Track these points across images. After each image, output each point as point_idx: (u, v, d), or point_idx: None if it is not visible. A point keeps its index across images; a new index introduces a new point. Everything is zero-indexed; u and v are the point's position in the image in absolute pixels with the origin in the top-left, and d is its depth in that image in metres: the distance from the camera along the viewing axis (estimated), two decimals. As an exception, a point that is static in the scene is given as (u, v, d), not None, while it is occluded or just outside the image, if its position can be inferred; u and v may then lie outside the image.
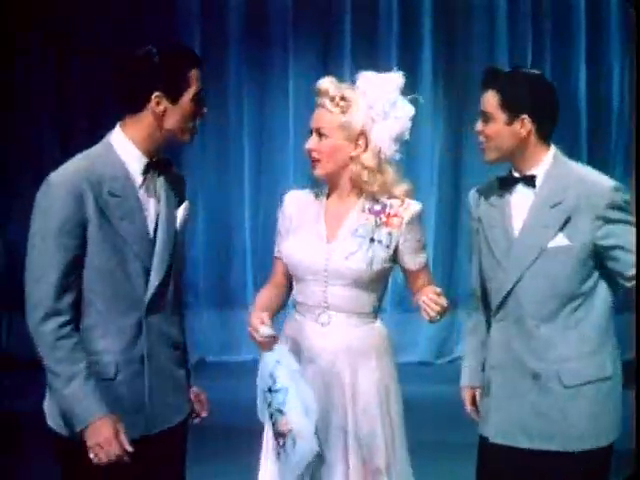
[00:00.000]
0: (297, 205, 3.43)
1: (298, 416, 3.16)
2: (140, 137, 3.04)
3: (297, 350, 3.33)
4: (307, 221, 3.39)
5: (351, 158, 3.33)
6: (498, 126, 3.24)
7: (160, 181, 3.10)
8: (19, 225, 8.16)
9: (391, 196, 3.34)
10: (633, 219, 3.21)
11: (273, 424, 3.21)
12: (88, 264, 2.97)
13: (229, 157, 8.41)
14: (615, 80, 8.62)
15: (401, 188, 3.36)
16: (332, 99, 3.31)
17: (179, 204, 3.17)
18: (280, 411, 3.18)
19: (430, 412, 6.45)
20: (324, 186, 3.45)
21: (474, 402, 3.47)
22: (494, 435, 3.30)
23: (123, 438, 2.93)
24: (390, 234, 3.32)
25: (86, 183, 2.93)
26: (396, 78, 3.37)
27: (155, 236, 3.07)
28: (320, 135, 3.32)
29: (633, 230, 3.19)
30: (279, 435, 3.19)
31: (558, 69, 8.58)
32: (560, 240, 3.21)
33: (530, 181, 3.27)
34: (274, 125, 8.56)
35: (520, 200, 3.28)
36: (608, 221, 3.19)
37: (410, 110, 3.37)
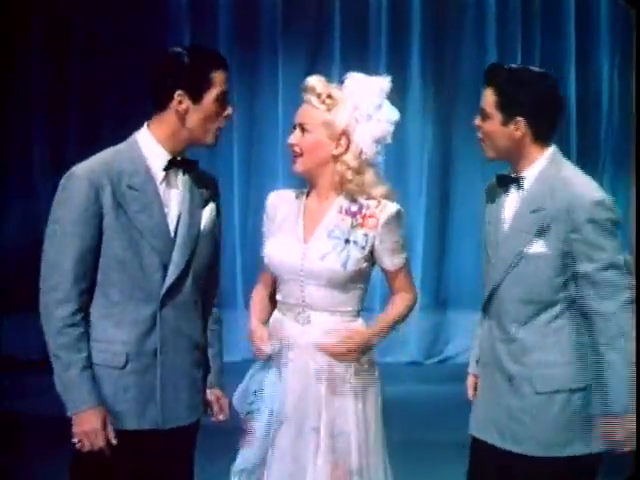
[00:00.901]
0: (279, 205, 3.45)
1: (260, 431, 3.31)
2: (164, 135, 3.15)
3: (279, 348, 3.35)
4: (287, 221, 3.41)
5: (333, 157, 3.34)
6: (494, 125, 3.24)
7: (185, 180, 3.19)
8: (14, 226, 8.17)
9: (369, 197, 3.36)
10: (609, 241, 3.14)
11: (244, 417, 3.34)
12: (104, 254, 3.08)
13: (219, 158, 8.40)
14: (605, 79, 8.62)
15: (380, 190, 3.37)
16: (319, 96, 3.33)
17: (206, 204, 3.24)
18: (252, 414, 3.33)
19: (420, 412, 6.46)
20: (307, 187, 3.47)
21: (476, 388, 3.47)
22: (473, 428, 3.35)
23: (110, 431, 3.04)
24: (366, 235, 3.32)
25: (105, 177, 3.06)
26: (383, 82, 3.39)
27: (176, 233, 3.14)
28: (303, 130, 3.35)
29: (603, 254, 3.13)
30: (242, 431, 3.34)
31: (547, 69, 8.58)
32: (538, 246, 3.19)
33: (519, 183, 3.26)
34: (263, 126, 8.56)
35: (511, 201, 3.29)
36: (582, 236, 3.14)
37: (394, 115, 3.39)
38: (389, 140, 3.40)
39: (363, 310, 3.42)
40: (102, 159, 3.13)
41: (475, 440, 3.36)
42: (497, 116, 3.22)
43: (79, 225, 3.04)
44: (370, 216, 3.33)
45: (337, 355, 3.30)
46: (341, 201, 3.37)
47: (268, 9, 8.53)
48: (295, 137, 3.36)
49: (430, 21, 8.53)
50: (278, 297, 3.43)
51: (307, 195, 3.44)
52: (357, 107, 3.35)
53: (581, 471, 3.26)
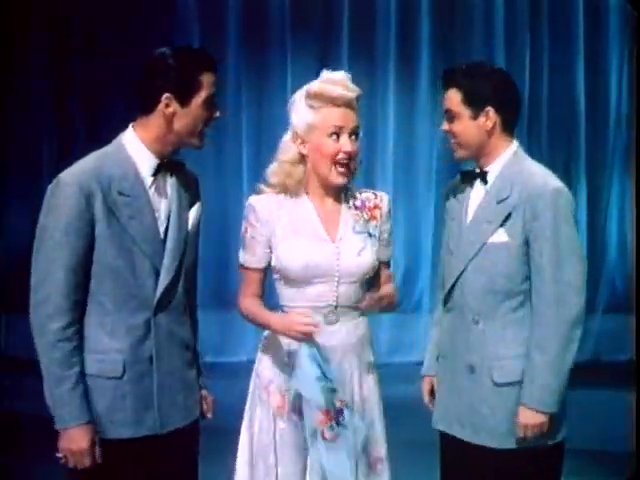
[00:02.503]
0: (276, 210, 3.38)
1: (344, 390, 3.28)
2: (150, 138, 3.07)
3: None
4: (299, 225, 3.36)
5: None
6: (464, 122, 3.29)
7: (172, 182, 3.13)
8: (17, 226, 8.17)
9: (362, 191, 3.42)
10: (569, 228, 3.20)
11: (329, 408, 3.25)
12: (96, 262, 3.00)
13: (227, 159, 8.41)
14: (613, 81, 8.64)
15: None
16: (358, 100, 3.35)
17: (192, 205, 3.20)
18: (333, 390, 3.24)
19: (427, 412, 6.43)
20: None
21: (432, 392, 3.50)
22: (436, 422, 3.39)
23: (97, 451, 3.00)
24: (377, 227, 3.40)
25: (95, 182, 2.97)
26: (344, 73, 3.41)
27: (166, 236, 3.09)
28: (356, 136, 3.33)
29: (565, 240, 3.18)
30: (337, 414, 3.26)
31: (556, 72, 8.59)
32: (500, 236, 3.24)
33: (484, 177, 3.31)
34: (272, 128, 8.54)
35: (476, 195, 3.35)
36: (541, 224, 3.19)
37: None
38: None
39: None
40: (90, 164, 3.04)
41: (440, 434, 3.39)
42: (465, 112, 3.28)
43: (70, 234, 2.96)
44: (375, 207, 3.40)
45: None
46: (346, 198, 3.40)
47: (277, 11, 8.53)
48: (352, 145, 3.32)
49: (438, 22, 8.54)
50: (295, 303, 3.36)
51: (308, 196, 3.40)
52: None
53: (541, 464, 3.28)
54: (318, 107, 3.33)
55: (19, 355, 7.60)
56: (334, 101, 3.31)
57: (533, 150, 8.14)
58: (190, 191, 3.21)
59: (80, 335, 3.01)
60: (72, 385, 2.97)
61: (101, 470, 3.02)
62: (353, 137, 3.32)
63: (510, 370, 3.24)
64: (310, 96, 3.35)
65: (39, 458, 5.42)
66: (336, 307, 3.33)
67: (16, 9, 7.87)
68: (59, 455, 3.01)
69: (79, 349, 3.00)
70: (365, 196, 3.42)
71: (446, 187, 3.55)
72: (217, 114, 3.12)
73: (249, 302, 3.42)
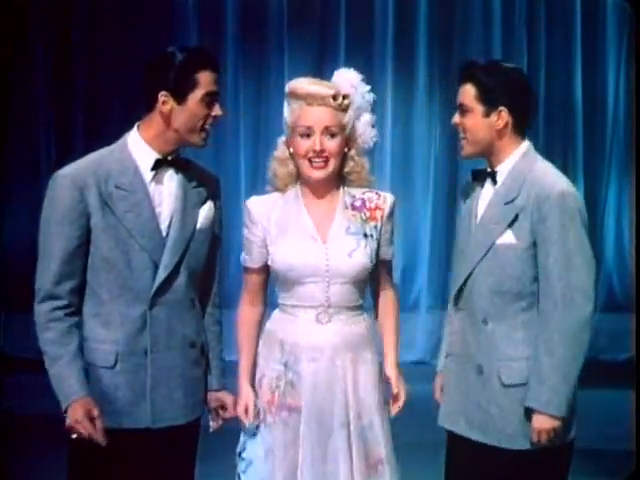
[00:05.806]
0: (268, 210, 3.40)
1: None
2: (151, 136, 3.14)
3: (294, 350, 3.35)
4: (291, 224, 3.37)
5: (344, 156, 3.36)
6: (475, 118, 3.28)
7: (178, 179, 3.17)
8: (14, 225, 8.17)
9: (365, 191, 3.39)
10: (577, 230, 3.17)
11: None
12: (92, 254, 3.09)
13: (225, 159, 8.41)
14: (610, 81, 8.64)
15: (372, 177, 3.44)
16: (335, 98, 3.31)
17: (203, 203, 3.23)
18: (239, 477, 3.32)
19: (426, 411, 6.43)
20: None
21: (442, 389, 3.50)
22: (442, 419, 3.39)
23: (97, 422, 3.02)
24: (376, 227, 3.37)
25: (91, 176, 3.06)
26: (355, 73, 3.40)
27: (168, 232, 3.13)
28: (332, 135, 3.31)
29: (572, 243, 3.16)
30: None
31: (554, 71, 8.60)
32: (507, 237, 3.23)
33: (493, 177, 3.31)
34: (270, 128, 8.55)
35: (485, 194, 3.34)
36: (548, 227, 3.17)
37: (372, 97, 3.42)
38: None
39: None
40: (90, 160, 3.14)
41: (448, 434, 3.39)
42: (478, 109, 3.26)
43: (64, 225, 3.05)
44: (376, 208, 3.38)
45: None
46: (342, 197, 3.39)
47: (274, 10, 8.54)
48: (325, 142, 3.31)
49: (436, 21, 8.55)
50: (289, 301, 3.40)
51: (303, 196, 3.40)
52: (352, 101, 3.36)
53: (548, 463, 3.27)
54: (294, 106, 3.34)
55: (17, 355, 7.61)
56: (306, 99, 3.31)
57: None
58: (202, 189, 3.25)
59: (76, 319, 3.09)
60: (67, 362, 3.04)
61: (97, 459, 3.06)
62: (328, 136, 3.30)
63: (518, 372, 3.23)
64: (287, 94, 3.37)
65: (38, 457, 5.45)
66: (328, 307, 3.34)
67: (15, 9, 7.87)
68: (70, 433, 3.06)
69: (74, 330, 3.08)
70: (367, 196, 3.40)
71: (462, 186, 3.54)
72: (218, 112, 3.16)
73: (245, 318, 3.48)
